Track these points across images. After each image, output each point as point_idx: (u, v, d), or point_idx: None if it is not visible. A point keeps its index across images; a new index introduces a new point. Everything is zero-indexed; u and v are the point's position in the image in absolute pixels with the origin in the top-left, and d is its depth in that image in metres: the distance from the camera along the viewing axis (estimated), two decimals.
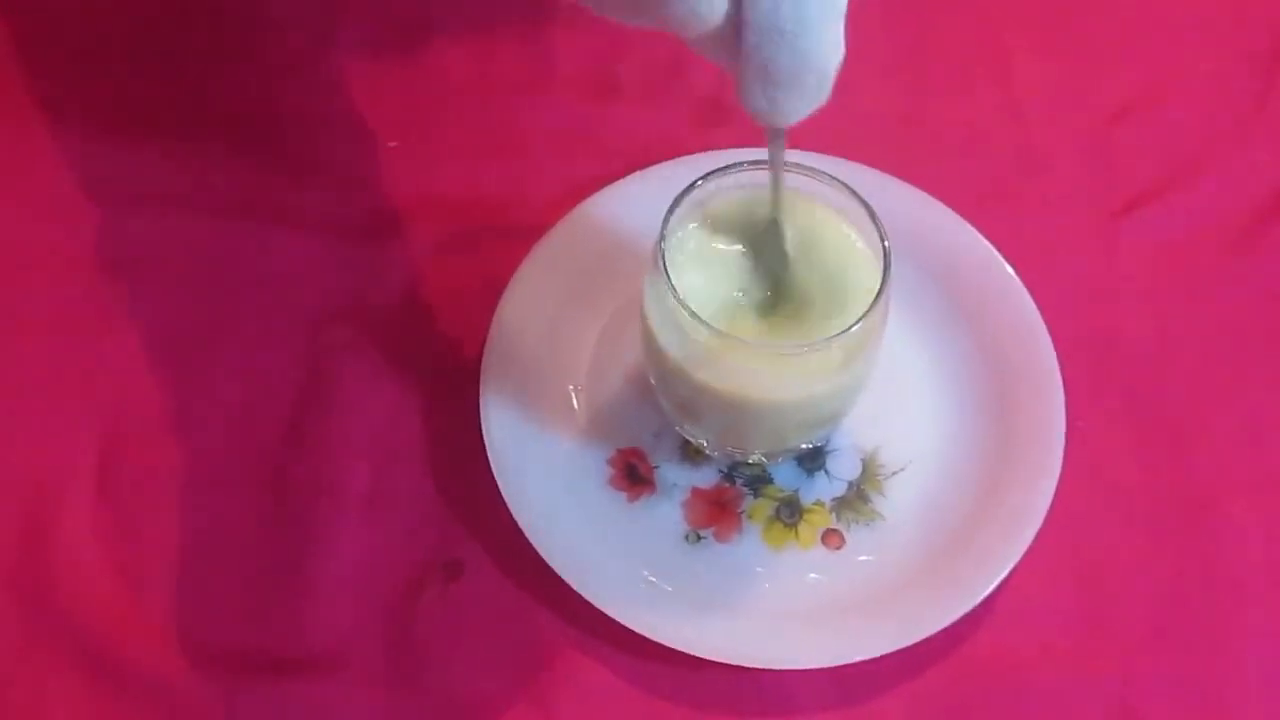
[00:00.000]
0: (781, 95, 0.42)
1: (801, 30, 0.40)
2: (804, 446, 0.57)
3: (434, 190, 0.63)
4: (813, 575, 0.55)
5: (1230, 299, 0.62)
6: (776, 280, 0.51)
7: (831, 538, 0.56)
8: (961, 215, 0.61)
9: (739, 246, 0.52)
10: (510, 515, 0.54)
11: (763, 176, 0.51)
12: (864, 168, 0.61)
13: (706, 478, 0.57)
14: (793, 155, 0.55)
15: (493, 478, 0.55)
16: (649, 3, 0.39)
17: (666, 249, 0.49)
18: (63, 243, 0.62)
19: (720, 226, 0.52)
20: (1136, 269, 0.63)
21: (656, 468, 0.57)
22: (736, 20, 0.40)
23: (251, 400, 0.59)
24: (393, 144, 0.64)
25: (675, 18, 0.39)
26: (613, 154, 0.63)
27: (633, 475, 0.57)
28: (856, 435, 0.58)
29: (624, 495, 0.57)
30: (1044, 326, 0.59)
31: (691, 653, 0.52)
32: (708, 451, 0.57)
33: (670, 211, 0.50)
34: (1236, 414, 0.59)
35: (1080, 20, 0.70)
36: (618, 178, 0.61)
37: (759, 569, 0.55)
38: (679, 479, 0.57)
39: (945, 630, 0.52)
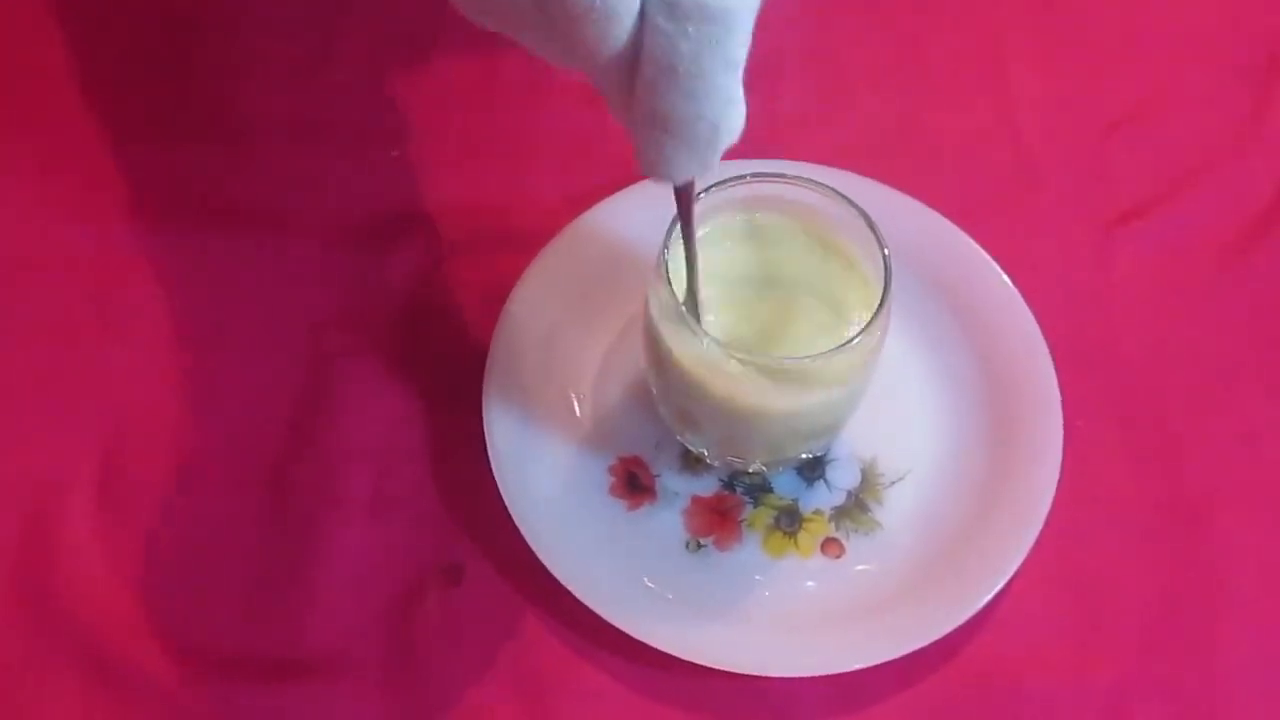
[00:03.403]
0: (670, 145, 0.41)
1: (696, 71, 0.39)
2: (804, 456, 0.57)
3: (437, 198, 0.63)
4: (812, 584, 0.55)
5: (1225, 309, 0.63)
6: (777, 292, 0.52)
7: (831, 546, 0.56)
8: (958, 226, 0.61)
9: (741, 258, 0.52)
10: (511, 521, 0.54)
11: (767, 188, 0.52)
12: (860, 178, 0.61)
13: (707, 486, 0.57)
14: (792, 166, 0.56)
15: (494, 483, 0.55)
16: (556, 21, 0.38)
17: (669, 259, 0.50)
18: (67, 247, 0.62)
19: (723, 238, 0.53)
20: (1132, 279, 0.63)
21: (657, 476, 0.57)
22: (636, 55, 0.39)
23: (253, 405, 0.59)
24: (395, 152, 0.65)
25: (584, 36, 0.39)
26: (616, 163, 0.62)
27: (633, 483, 0.57)
28: (856, 445, 0.58)
29: (625, 503, 0.57)
30: (1041, 336, 0.59)
31: (691, 660, 0.52)
32: (708, 460, 0.57)
33: (674, 222, 0.50)
34: (1231, 424, 0.60)
35: (1076, 32, 0.70)
36: (621, 187, 0.61)
37: (759, 577, 0.55)
38: (679, 487, 0.57)
39: (943, 638, 0.53)
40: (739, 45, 0.39)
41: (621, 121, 0.42)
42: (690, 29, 0.38)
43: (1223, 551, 0.57)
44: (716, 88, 0.40)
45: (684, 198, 0.46)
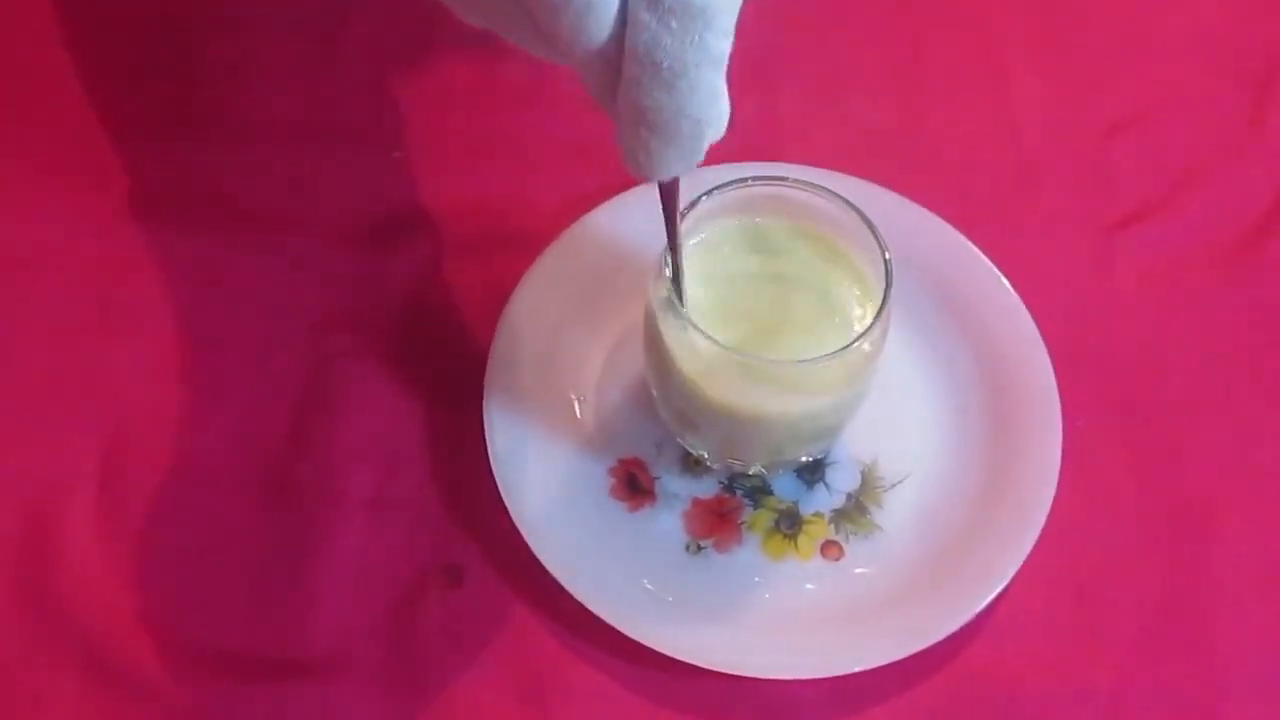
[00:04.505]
0: (655, 141, 0.41)
1: (679, 69, 0.39)
2: (804, 459, 0.57)
3: (438, 199, 0.63)
4: (811, 586, 0.55)
5: (1224, 313, 0.63)
6: (778, 295, 0.52)
7: (830, 549, 0.56)
8: (958, 229, 0.62)
9: (741, 261, 0.52)
10: (511, 522, 0.54)
11: (767, 191, 0.52)
12: (861, 181, 0.62)
13: (707, 488, 0.57)
14: (793, 169, 0.56)
15: (495, 485, 0.55)
16: (534, 15, 0.39)
17: (670, 262, 0.50)
18: (68, 247, 0.62)
19: (724, 240, 0.53)
20: (1132, 283, 0.63)
21: (657, 478, 0.57)
22: (620, 51, 0.39)
23: (255, 405, 0.59)
24: (396, 153, 0.65)
25: (563, 30, 0.39)
26: (617, 165, 0.62)
27: (634, 485, 0.57)
28: (855, 448, 0.58)
29: (625, 505, 0.57)
30: (1040, 340, 0.59)
31: (690, 662, 0.52)
32: (708, 463, 0.57)
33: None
34: (1230, 427, 0.60)
35: (1076, 36, 0.71)
36: (622, 189, 0.61)
37: (758, 579, 0.56)
38: (680, 489, 0.57)
39: (943, 641, 0.53)
40: (721, 39, 0.39)
41: (605, 109, 0.42)
42: (673, 23, 0.38)
43: (1222, 552, 0.57)
44: (700, 82, 0.40)
45: (668, 194, 0.46)
